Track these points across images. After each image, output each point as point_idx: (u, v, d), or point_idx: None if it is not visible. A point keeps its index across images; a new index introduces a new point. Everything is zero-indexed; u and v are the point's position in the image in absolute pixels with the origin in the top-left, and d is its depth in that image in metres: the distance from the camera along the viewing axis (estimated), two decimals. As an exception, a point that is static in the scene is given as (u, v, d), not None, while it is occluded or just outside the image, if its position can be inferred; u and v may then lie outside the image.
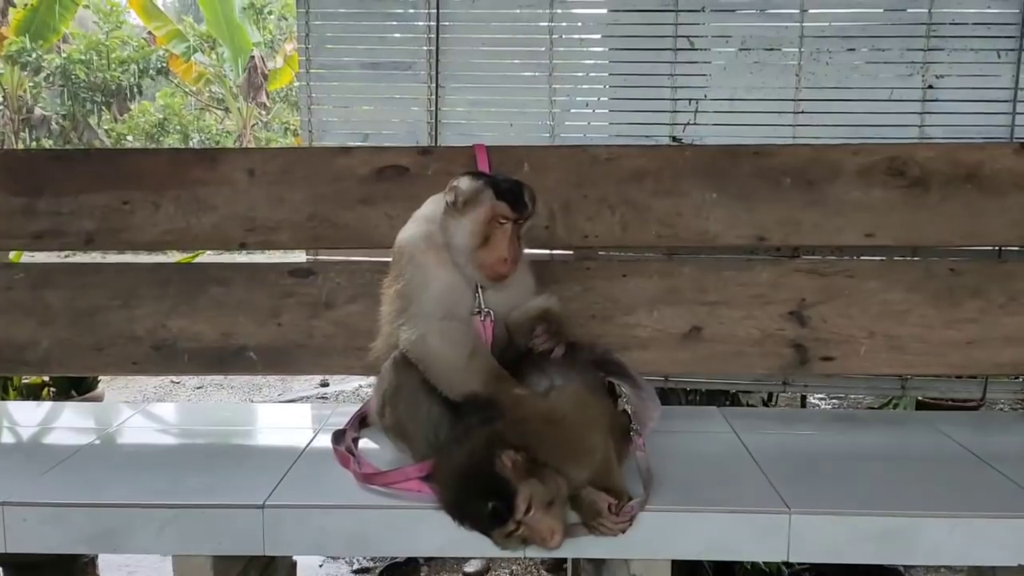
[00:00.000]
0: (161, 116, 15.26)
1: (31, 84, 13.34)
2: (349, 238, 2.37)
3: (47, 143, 13.52)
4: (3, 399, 3.28)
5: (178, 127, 15.28)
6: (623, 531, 1.62)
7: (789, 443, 2.09)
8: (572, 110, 2.86)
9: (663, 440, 1.99)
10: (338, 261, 2.36)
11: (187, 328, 2.29)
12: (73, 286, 2.33)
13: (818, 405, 4.81)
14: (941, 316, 2.27)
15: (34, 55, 12.23)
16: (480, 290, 1.84)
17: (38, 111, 13.57)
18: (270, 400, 5.51)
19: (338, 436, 1.97)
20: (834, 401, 4.92)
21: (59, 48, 13.51)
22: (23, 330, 2.29)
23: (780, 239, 2.36)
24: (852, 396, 4.64)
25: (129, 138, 14.89)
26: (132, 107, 14.87)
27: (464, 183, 1.80)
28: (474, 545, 1.60)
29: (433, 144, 2.79)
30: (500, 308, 1.86)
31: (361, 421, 2.05)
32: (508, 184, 1.81)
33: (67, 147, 10.22)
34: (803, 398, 3.32)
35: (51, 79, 13.94)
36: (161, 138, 14.90)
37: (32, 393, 3.48)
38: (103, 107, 14.38)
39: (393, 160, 2.41)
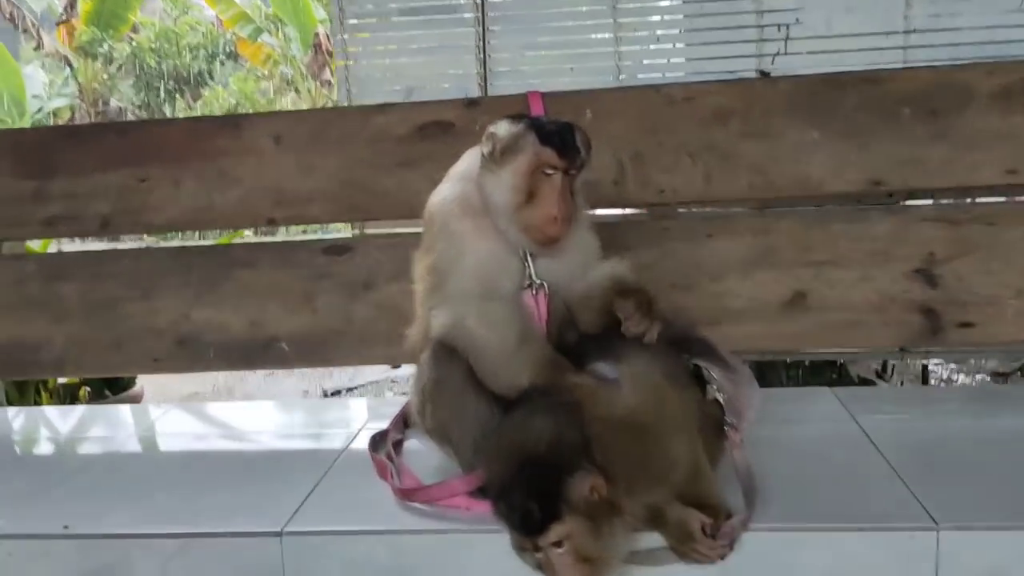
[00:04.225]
0: (234, 101, 15.31)
1: (105, 76, 13.51)
2: (389, 207, 2.08)
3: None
4: (37, 403, 3.11)
5: (251, 110, 15.29)
6: (722, 557, 1.28)
7: (923, 432, 1.72)
8: (641, 46, 2.48)
9: (766, 432, 1.62)
10: (378, 235, 2.05)
11: (212, 319, 2.05)
12: (88, 277, 2.11)
13: (935, 371, 4.32)
14: (1106, 266, 1.84)
15: (105, 45, 12.35)
16: (530, 258, 1.50)
17: (113, 102, 13.74)
18: (341, 384, 5.30)
19: (377, 440, 1.69)
20: (952, 366, 4.42)
21: (130, 38, 13.64)
22: (36, 328, 2.08)
23: (900, 183, 1.97)
24: (974, 360, 4.14)
25: (204, 125, 14.98)
26: (205, 93, 14.96)
27: (502, 128, 1.47)
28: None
29: (482, 95, 2.47)
30: (556, 279, 1.52)
31: (405, 420, 1.76)
32: (555, 126, 1.47)
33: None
34: (924, 367, 2.89)
35: (123, 69, 14.09)
36: (235, 123, 14.93)
37: (69, 394, 3.27)
38: (177, 94, 14.49)
39: (435, 115, 2.10)
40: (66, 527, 1.44)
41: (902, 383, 2.99)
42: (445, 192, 1.55)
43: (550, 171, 1.44)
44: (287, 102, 15.36)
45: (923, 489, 1.41)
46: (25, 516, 1.52)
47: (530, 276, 1.50)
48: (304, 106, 15.31)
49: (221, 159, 2.12)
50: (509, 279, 1.50)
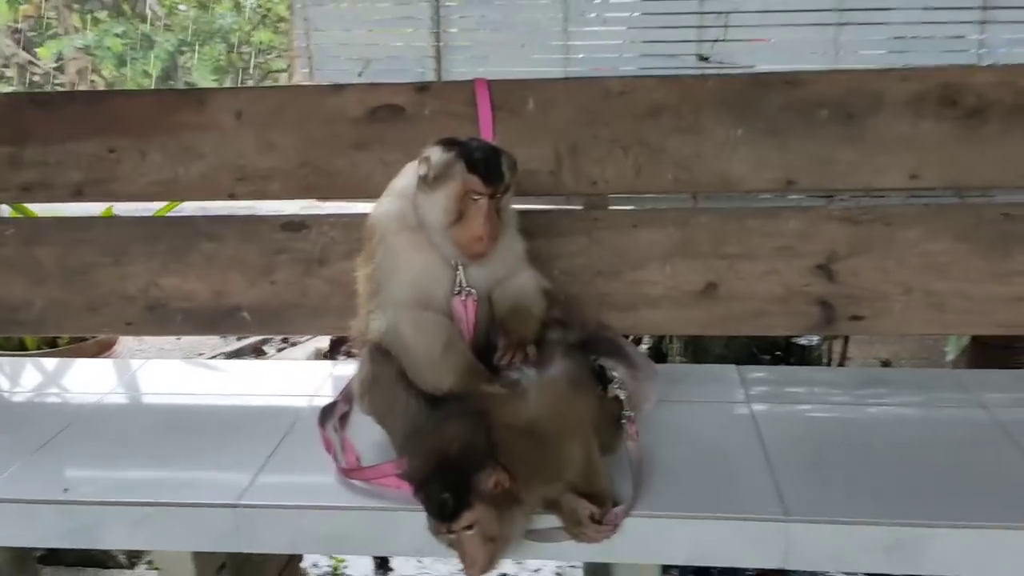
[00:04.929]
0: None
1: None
2: (342, 187, 2.22)
3: (99, 14, 13.29)
4: (21, 344, 3.32)
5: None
6: (607, 538, 1.53)
7: (805, 420, 1.95)
8: (589, 27, 2.59)
9: (667, 414, 1.87)
10: (331, 214, 2.21)
11: (179, 287, 2.21)
12: (63, 242, 2.26)
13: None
14: (989, 268, 2.04)
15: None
16: (460, 268, 1.69)
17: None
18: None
19: (326, 412, 1.90)
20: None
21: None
22: (16, 290, 2.24)
23: (812, 182, 2.13)
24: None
25: (181, 7, 14.32)
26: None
27: (435, 155, 1.63)
28: (446, 551, 1.52)
29: (436, 70, 2.58)
30: (483, 285, 1.72)
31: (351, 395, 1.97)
32: (482, 154, 1.62)
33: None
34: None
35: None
36: (212, 5, 14.24)
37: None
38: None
39: (388, 99, 2.23)
40: (66, 490, 1.66)
41: (829, 361, 3.24)
42: (386, 207, 1.72)
43: (477, 196, 1.62)
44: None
45: (786, 480, 1.64)
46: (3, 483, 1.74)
47: (460, 284, 1.70)
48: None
49: (185, 133, 2.24)
50: (440, 288, 1.69)
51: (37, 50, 12.43)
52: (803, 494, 1.60)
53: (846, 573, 2.30)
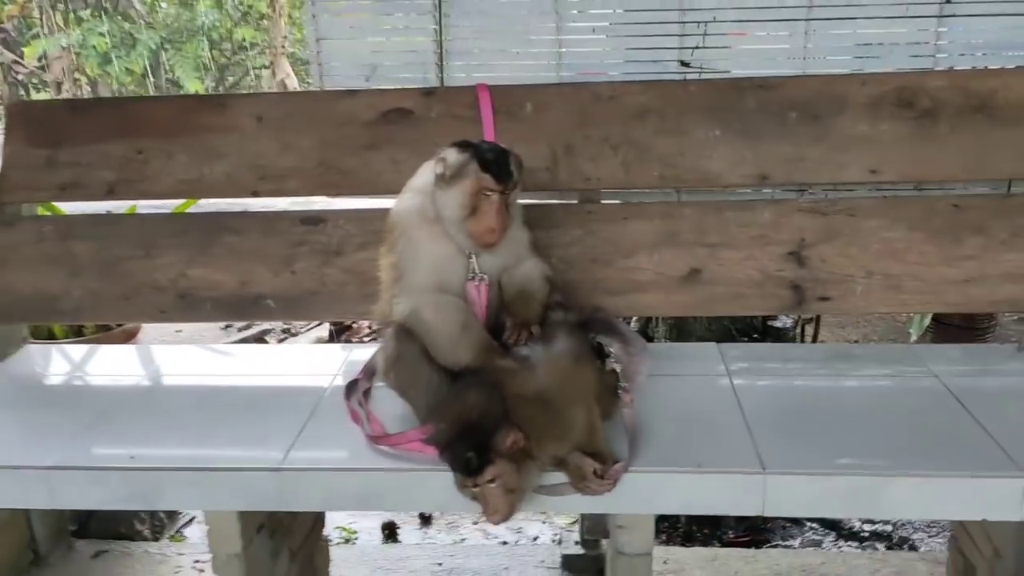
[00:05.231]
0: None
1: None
2: (356, 185, 2.43)
3: (83, 13, 13.36)
4: (51, 334, 3.50)
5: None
6: (608, 491, 1.75)
7: (779, 390, 2.16)
8: (578, 35, 2.81)
9: (658, 386, 2.08)
10: (347, 209, 2.41)
11: (207, 277, 2.40)
12: (98, 237, 2.44)
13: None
14: (941, 254, 2.28)
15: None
16: (473, 257, 1.90)
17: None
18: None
19: (350, 387, 2.11)
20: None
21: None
22: (55, 281, 2.42)
23: (783, 177, 2.37)
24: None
25: (163, 4, 14.40)
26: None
27: (451, 156, 1.84)
28: (471, 505, 1.73)
29: (439, 77, 2.79)
30: (493, 271, 1.94)
31: (373, 371, 2.17)
32: (493, 155, 1.84)
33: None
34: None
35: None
36: (194, 3, 14.35)
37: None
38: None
39: (397, 103, 2.44)
40: (132, 457, 1.86)
41: (803, 338, 3.49)
42: (407, 203, 1.93)
43: (489, 192, 1.83)
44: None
45: (762, 439, 1.87)
46: (74, 453, 1.93)
47: (473, 271, 1.91)
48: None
49: (208, 135, 2.44)
50: (456, 274, 1.90)
51: (23, 49, 12.48)
52: (778, 451, 1.82)
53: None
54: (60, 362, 2.52)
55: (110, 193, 2.46)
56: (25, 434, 2.05)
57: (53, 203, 2.86)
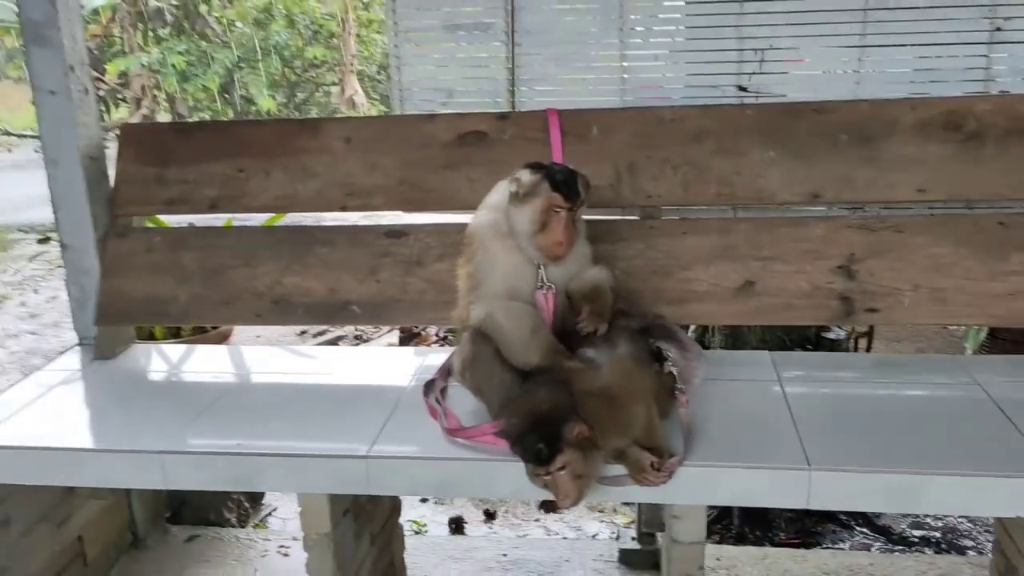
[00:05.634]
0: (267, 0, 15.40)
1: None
2: (435, 201, 2.65)
3: (162, 32, 14.04)
4: (151, 335, 3.81)
5: (283, 10, 15.36)
6: (664, 483, 1.92)
7: (827, 395, 2.30)
8: (641, 63, 3.00)
9: (713, 390, 2.25)
10: (427, 223, 2.63)
11: (299, 284, 2.64)
12: (203, 248, 2.71)
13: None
14: (986, 269, 2.39)
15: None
16: (542, 268, 2.10)
17: (152, 2, 14.00)
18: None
19: (428, 386, 2.31)
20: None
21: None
22: (164, 287, 2.69)
23: (834, 196, 2.50)
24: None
25: (238, 24, 15.06)
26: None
27: (524, 176, 2.04)
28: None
29: (511, 102, 3.00)
30: (560, 281, 2.13)
31: (449, 371, 2.38)
32: (563, 175, 2.03)
33: (185, 120, 10.81)
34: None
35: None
36: (267, 23, 15.01)
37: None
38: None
39: (473, 126, 2.65)
40: (239, 444, 2.10)
41: (856, 350, 3.61)
42: (483, 218, 2.13)
43: (558, 210, 2.02)
44: (315, 2, 15.26)
45: (809, 438, 2.02)
46: (183, 440, 2.18)
47: (542, 280, 2.10)
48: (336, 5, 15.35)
49: (302, 155, 2.69)
50: (526, 283, 2.10)
51: (106, 67, 13.14)
52: (823, 449, 1.97)
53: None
54: (162, 360, 2.79)
55: (212, 207, 2.72)
56: (138, 422, 2.29)
57: (157, 216, 3.14)
